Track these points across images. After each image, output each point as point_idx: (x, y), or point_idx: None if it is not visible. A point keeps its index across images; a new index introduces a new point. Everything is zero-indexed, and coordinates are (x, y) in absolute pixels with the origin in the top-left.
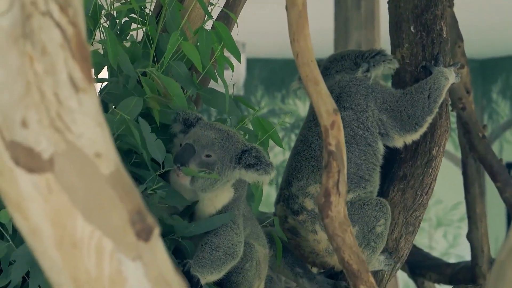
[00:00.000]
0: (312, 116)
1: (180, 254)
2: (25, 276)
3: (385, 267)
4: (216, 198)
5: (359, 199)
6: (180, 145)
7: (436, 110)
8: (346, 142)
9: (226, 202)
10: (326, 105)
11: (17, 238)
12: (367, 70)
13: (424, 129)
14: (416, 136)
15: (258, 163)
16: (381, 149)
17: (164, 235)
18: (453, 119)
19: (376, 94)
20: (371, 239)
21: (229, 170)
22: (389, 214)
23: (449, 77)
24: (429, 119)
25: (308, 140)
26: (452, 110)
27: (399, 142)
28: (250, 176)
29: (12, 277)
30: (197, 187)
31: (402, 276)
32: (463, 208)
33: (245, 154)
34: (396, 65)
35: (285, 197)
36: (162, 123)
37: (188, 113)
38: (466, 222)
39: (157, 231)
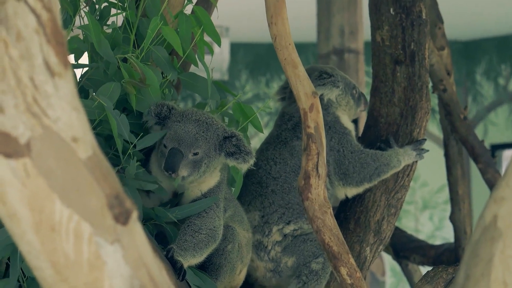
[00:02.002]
0: (268, 139)
1: (163, 238)
2: (8, 262)
3: None
4: (203, 184)
5: (302, 233)
6: (164, 146)
7: (376, 182)
8: (294, 172)
9: (212, 185)
10: (304, 88)
11: None
12: None
13: (360, 190)
14: (354, 191)
15: (237, 151)
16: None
17: (147, 220)
18: (436, 101)
19: (333, 133)
20: (302, 273)
21: (215, 159)
22: None
23: (402, 160)
24: (367, 185)
25: (256, 164)
26: (433, 92)
27: (340, 191)
28: (230, 162)
29: None
30: (188, 182)
31: (388, 258)
32: (448, 191)
33: (225, 141)
34: (325, 90)
35: None
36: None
37: (160, 106)
38: None
39: (135, 214)
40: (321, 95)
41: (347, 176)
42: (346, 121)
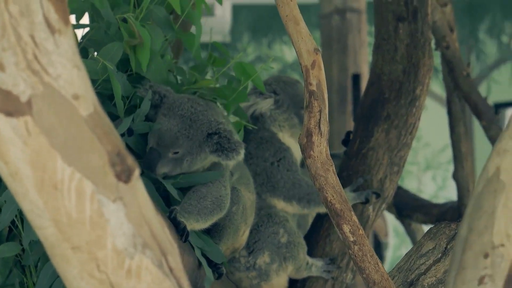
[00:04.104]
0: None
1: (166, 203)
2: (11, 226)
3: (323, 274)
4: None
5: (255, 224)
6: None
7: (305, 209)
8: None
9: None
10: (306, 45)
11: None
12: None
13: (290, 207)
14: (283, 204)
15: (219, 149)
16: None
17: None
18: (439, 60)
19: (270, 146)
20: (285, 253)
21: (200, 154)
22: (285, 220)
23: None
24: (296, 206)
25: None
26: (436, 49)
27: (270, 202)
28: (213, 159)
29: (1, 220)
30: (177, 173)
31: (391, 220)
32: (451, 151)
33: (208, 138)
34: (256, 106)
35: None
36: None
37: (153, 94)
38: None
39: (137, 172)
40: (255, 109)
41: (276, 189)
42: (284, 137)
